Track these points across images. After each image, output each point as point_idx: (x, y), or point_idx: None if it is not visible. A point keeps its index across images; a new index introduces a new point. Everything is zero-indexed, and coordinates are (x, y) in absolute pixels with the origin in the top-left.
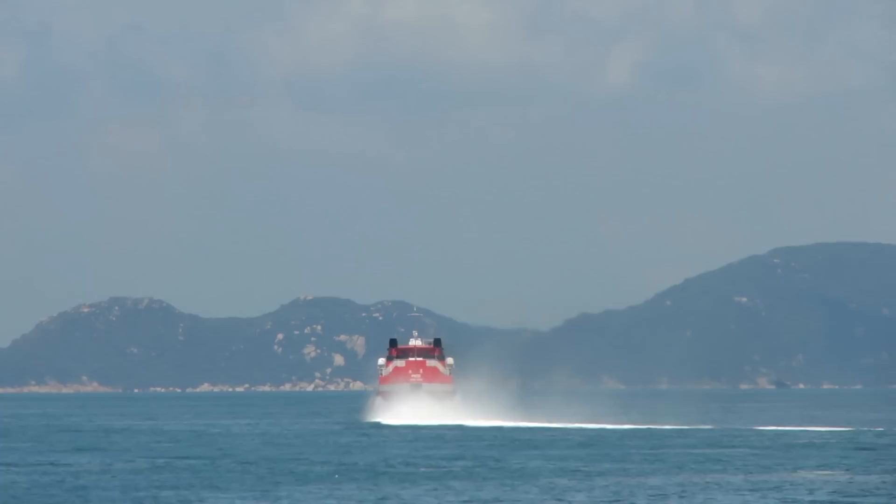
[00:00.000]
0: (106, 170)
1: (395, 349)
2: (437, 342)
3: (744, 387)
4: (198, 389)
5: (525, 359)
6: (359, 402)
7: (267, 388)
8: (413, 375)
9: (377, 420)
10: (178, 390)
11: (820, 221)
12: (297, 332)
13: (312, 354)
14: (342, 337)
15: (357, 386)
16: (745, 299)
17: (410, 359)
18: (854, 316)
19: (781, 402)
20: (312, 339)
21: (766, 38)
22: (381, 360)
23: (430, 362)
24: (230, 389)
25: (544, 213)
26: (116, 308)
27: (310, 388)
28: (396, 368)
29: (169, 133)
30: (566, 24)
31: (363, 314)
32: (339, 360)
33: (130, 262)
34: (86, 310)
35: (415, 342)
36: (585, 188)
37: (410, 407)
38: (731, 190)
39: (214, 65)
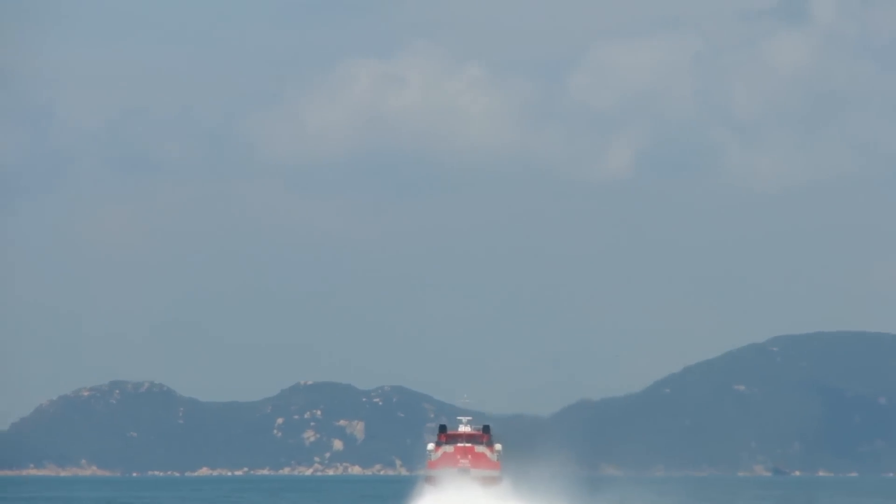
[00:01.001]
0: (101, 249)
1: (444, 434)
2: (486, 428)
3: (741, 474)
4: (196, 473)
5: (526, 445)
6: (392, 487)
7: (266, 472)
8: (462, 461)
9: None
10: (177, 474)
11: (819, 311)
12: (296, 417)
13: (312, 439)
14: (342, 422)
15: (355, 471)
16: (743, 387)
17: (459, 444)
18: (851, 404)
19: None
20: (312, 423)
21: (763, 128)
22: (431, 446)
23: (479, 448)
24: (229, 473)
25: (543, 298)
26: (117, 391)
27: (308, 472)
28: (445, 454)
29: (163, 213)
30: (566, 113)
31: (363, 399)
32: (338, 444)
33: (131, 346)
34: (86, 393)
35: (464, 428)
36: (585, 275)
37: (458, 492)
38: (730, 279)
39: (211, 148)
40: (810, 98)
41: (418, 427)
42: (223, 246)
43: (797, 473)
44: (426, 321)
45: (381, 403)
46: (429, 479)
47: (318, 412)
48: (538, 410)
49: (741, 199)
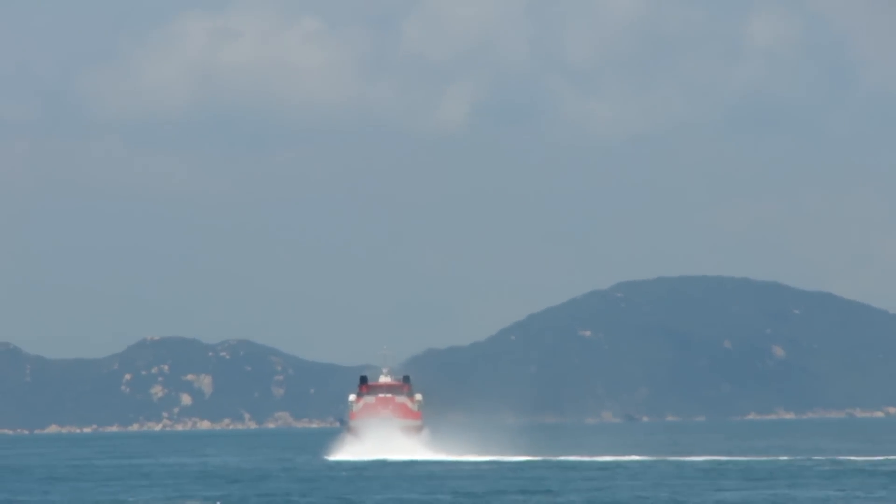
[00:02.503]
0: None
1: (366, 386)
2: (406, 379)
3: (589, 421)
4: (45, 431)
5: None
6: (296, 440)
7: (115, 429)
8: (383, 411)
9: (347, 456)
10: (26, 432)
11: (662, 257)
12: (144, 373)
13: (160, 394)
14: (189, 376)
15: (204, 425)
16: (588, 333)
17: (380, 395)
18: (696, 349)
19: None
20: (160, 378)
21: (598, 76)
22: (352, 397)
23: (399, 398)
24: (78, 430)
25: (384, 249)
26: None
27: (157, 427)
28: (367, 405)
29: (1, 171)
30: (401, 64)
31: (210, 353)
32: (186, 399)
33: None
34: None
35: (384, 379)
36: (427, 226)
37: (381, 442)
38: (571, 227)
39: (48, 104)
40: (644, 44)
41: (266, 380)
42: (65, 203)
43: (645, 419)
44: (272, 275)
45: (228, 357)
46: (351, 430)
47: (166, 367)
48: (385, 361)
49: (579, 147)
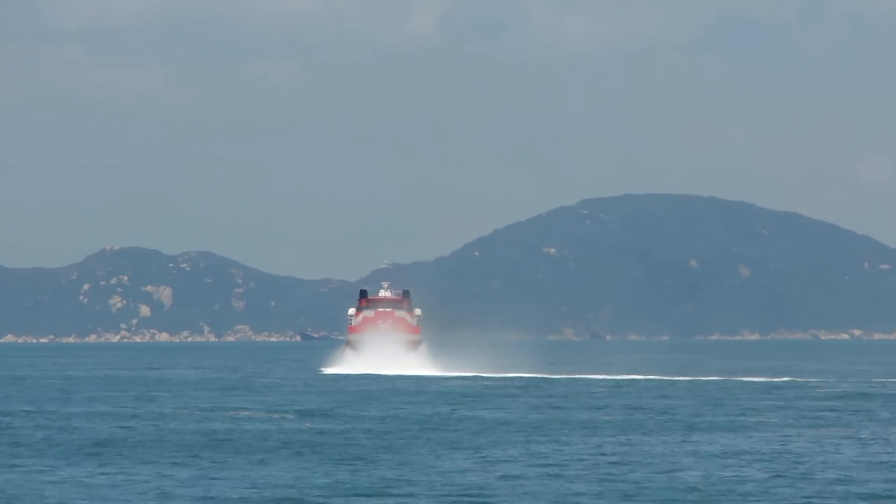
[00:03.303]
0: None
1: (365, 300)
2: (406, 293)
3: (552, 338)
4: (1, 340)
5: (330, 307)
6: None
7: (72, 340)
8: (382, 325)
9: (344, 370)
10: None
11: (628, 174)
12: (103, 283)
13: (119, 305)
14: (149, 287)
15: (163, 337)
16: (553, 250)
17: (380, 309)
18: (662, 267)
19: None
20: (119, 289)
21: None
22: (351, 311)
23: (399, 312)
24: (34, 340)
25: (347, 162)
26: None
27: (116, 338)
28: (366, 318)
29: None
30: None
31: (170, 265)
32: (145, 310)
33: None
34: None
35: (384, 293)
36: (392, 137)
37: (380, 356)
38: (538, 142)
39: (7, 9)
40: None
41: (226, 293)
42: (28, 113)
43: (608, 338)
44: (234, 187)
45: (188, 269)
46: (349, 344)
47: (125, 278)
48: (347, 276)
49: (550, 61)
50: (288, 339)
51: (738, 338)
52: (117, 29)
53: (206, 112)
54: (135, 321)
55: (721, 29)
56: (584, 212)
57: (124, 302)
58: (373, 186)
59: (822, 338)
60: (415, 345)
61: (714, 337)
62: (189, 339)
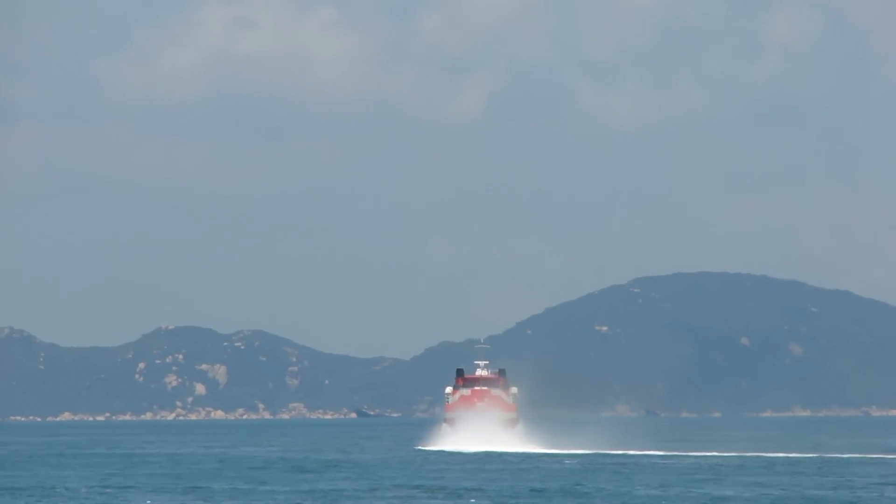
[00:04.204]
0: None
1: (462, 378)
2: (502, 372)
3: (605, 414)
4: (58, 418)
5: (386, 386)
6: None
7: (128, 417)
8: (478, 403)
9: (442, 447)
10: (38, 419)
11: (678, 252)
12: (158, 362)
13: (174, 383)
14: (204, 366)
15: (218, 415)
16: (605, 328)
17: (476, 388)
18: (714, 345)
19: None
20: (174, 368)
21: (616, 68)
22: (448, 389)
23: (495, 391)
24: (90, 418)
25: (401, 242)
26: None
27: (171, 416)
28: (462, 397)
29: (16, 158)
30: (419, 55)
31: (224, 343)
32: (200, 389)
33: None
34: None
35: (481, 372)
36: (444, 217)
37: (476, 434)
38: (587, 221)
39: (63, 91)
40: (663, 37)
41: (280, 371)
42: (82, 191)
43: (662, 415)
44: (286, 266)
45: (242, 347)
46: (447, 421)
47: (180, 356)
48: (400, 354)
49: (597, 140)
50: (342, 416)
51: (789, 414)
52: (169, 107)
53: (257, 191)
54: (190, 399)
55: (764, 106)
56: (635, 290)
57: (180, 380)
58: (424, 265)
59: (874, 414)
60: (512, 422)
61: (766, 414)
62: (244, 417)
